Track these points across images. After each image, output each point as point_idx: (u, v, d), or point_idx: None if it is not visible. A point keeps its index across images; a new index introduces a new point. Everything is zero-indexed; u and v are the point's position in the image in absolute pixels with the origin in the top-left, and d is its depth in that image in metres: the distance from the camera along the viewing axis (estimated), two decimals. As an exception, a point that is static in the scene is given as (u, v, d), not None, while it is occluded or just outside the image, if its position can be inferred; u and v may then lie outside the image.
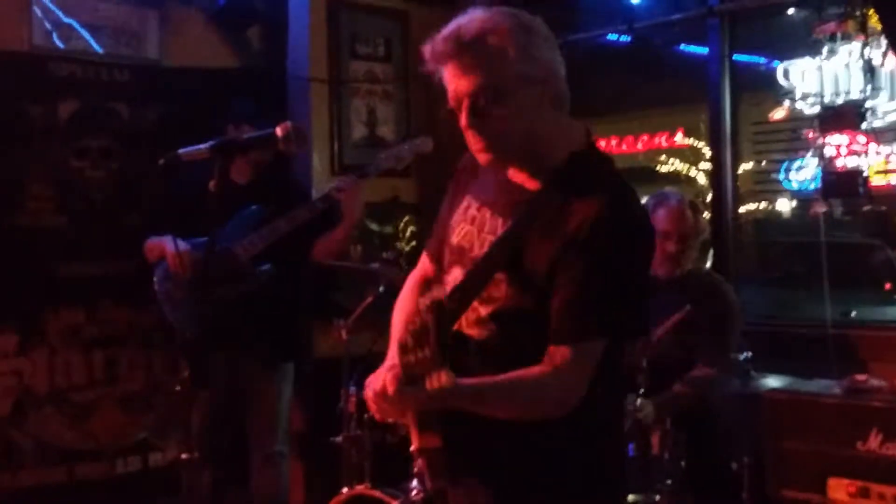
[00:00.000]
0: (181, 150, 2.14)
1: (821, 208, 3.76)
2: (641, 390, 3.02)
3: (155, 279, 3.56)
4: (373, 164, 3.70)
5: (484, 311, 1.83)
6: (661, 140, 7.82)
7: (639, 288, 1.81)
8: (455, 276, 1.90)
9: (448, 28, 1.77)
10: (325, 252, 3.72)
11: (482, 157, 1.83)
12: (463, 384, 1.65)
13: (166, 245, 3.52)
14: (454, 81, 1.77)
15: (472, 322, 1.85)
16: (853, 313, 3.81)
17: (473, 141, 1.81)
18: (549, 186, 1.79)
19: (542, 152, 1.81)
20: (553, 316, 1.73)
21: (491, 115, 1.76)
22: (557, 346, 1.73)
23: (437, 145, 3.71)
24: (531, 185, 1.83)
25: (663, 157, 7.72)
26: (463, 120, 1.79)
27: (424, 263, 2.11)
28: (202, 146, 2.13)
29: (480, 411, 1.72)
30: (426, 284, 2.08)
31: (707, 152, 6.82)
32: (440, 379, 1.53)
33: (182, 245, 3.49)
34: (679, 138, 7.65)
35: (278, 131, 2.10)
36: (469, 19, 1.76)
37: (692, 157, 7.45)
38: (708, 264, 4.16)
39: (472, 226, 1.90)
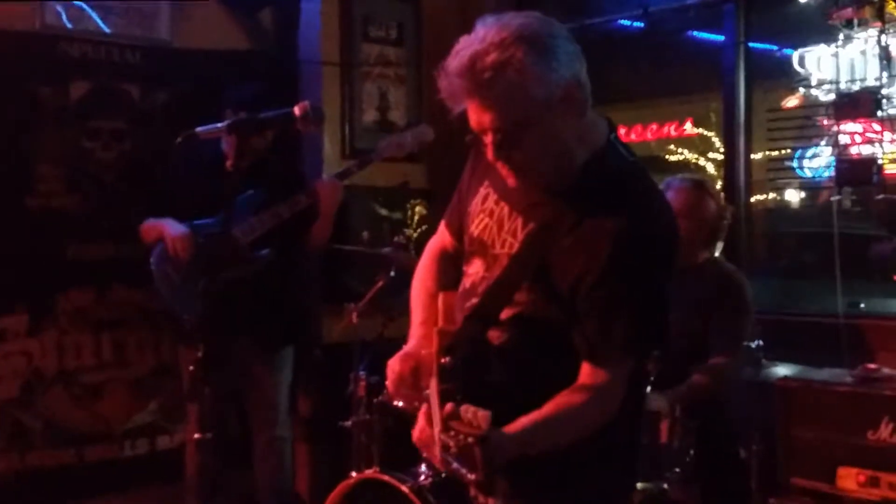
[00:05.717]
0: (199, 129, 2.14)
1: (835, 196, 3.73)
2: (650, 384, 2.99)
3: (152, 260, 3.55)
4: (374, 151, 3.72)
5: (504, 314, 1.83)
6: (671, 129, 7.79)
7: (666, 302, 1.82)
8: (476, 268, 1.91)
9: (461, 56, 1.70)
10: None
11: (511, 181, 1.82)
12: (510, 439, 1.63)
13: (165, 228, 3.51)
14: (475, 114, 1.75)
15: None
16: (862, 305, 3.78)
17: (503, 169, 1.80)
18: (569, 196, 1.78)
19: (566, 161, 1.80)
20: (587, 336, 1.75)
21: (518, 145, 1.74)
22: (595, 367, 1.76)
23: (449, 131, 3.69)
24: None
25: (672, 147, 7.70)
26: (489, 154, 1.78)
27: (443, 234, 2.12)
28: (219, 124, 2.13)
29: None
30: (445, 257, 2.10)
31: (716, 142, 6.81)
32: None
33: (180, 228, 3.47)
34: (688, 127, 7.62)
35: (296, 110, 2.09)
36: (483, 47, 1.68)
37: (701, 146, 7.43)
38: (717, 253, 4.14)
39: (490, 219, 1.90)
